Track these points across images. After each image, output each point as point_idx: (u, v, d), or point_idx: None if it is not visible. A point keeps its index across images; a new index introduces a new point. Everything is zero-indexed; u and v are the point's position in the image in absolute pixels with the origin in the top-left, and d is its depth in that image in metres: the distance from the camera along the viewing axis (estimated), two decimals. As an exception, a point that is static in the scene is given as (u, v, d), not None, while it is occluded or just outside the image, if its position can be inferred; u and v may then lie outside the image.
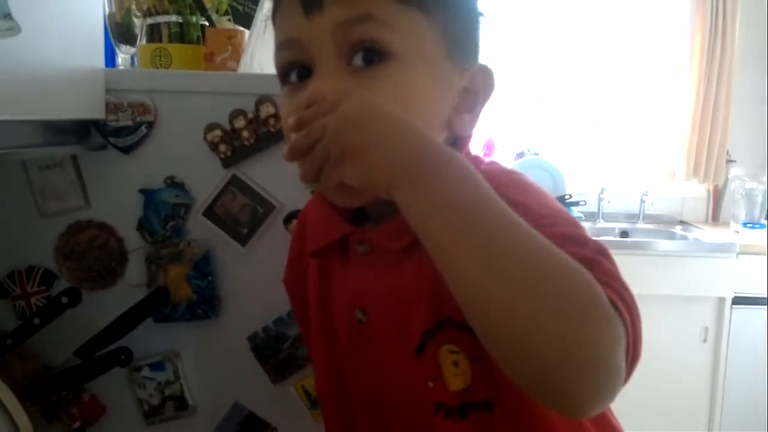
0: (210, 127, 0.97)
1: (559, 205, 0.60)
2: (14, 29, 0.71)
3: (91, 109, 0.92)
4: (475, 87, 0.65)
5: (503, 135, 3.27)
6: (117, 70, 1.14)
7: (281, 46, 0.63)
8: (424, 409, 0.63)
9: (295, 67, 0.62)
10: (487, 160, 0.71)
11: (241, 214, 0.99)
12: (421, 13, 0.60)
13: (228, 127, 0.97)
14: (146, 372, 1.00)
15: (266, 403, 1.03)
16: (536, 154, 3.28)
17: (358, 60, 0.59)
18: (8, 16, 0.70)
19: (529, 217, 0.50)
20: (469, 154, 0.67)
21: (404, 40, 0.59)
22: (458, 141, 0.67)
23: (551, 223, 0.55)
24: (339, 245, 0.69)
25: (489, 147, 3.06)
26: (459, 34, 0.64)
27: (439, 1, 0.62)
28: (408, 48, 0.59)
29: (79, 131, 0.94)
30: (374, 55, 0.59)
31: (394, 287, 0.65)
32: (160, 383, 1.00)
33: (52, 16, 0.80)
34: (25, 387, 0.93)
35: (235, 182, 0.98)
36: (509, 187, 0.57)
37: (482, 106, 0.66)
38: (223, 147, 0.97)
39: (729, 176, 3.29)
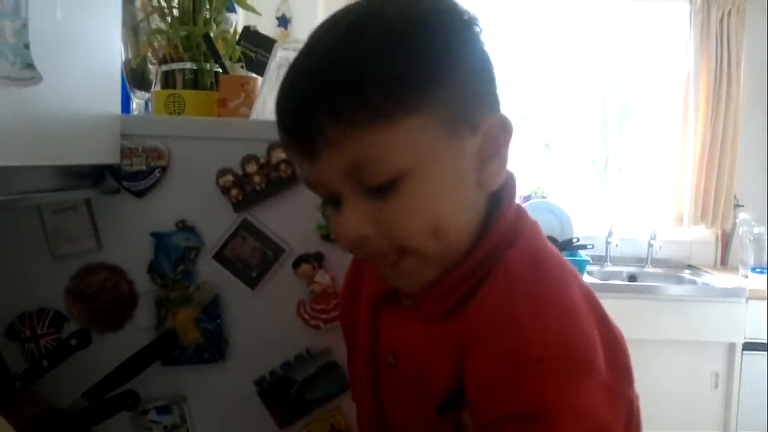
0: (222, 172, 0.98)
1: (567, 337, 0.57)
2: (36, 78, 0.73)
3: (107, 155, 0.94)
4: (493, 134, 0.63)
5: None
6: (132, 116, 1.17)
7: (306, 184, 0.66)
8: None
9: (328, 199, 0.65)
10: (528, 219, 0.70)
11: (251, 258, 1.00)
12: (408, 118, 0.58)
13: (240, 172, 0.99)
14: (153, 415, 1.00)
15: (272, 449, 1.02)
16: (543, 197, 3.29)
17: (373, 193, 0.60)
18: (31, 65, 0.72)
19: (515, 355, 0.55)
20: (508, 222, 0.66)
21: (405, 156, 0.59)
22: (501, 198, 0.67)
23: (535, 371, 0.55)
24: (391, 292, 0.73)
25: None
26: (460, 106, 0.61)
27: (423, 95, 0.58)
28: (411, 160, 0.59)
29: (94, 175, 0.96)
30: (384, 185, 0.60)
31: (422, 344, 0.67)
32: (166, 427, 1.00)
33: (72, 65, 0.82)
34: (33, 429, 0.92)
35: (245, 226, 1.00)
36: (525, 293, 0.59)
37: (506, 148, 0.64)
38: (234, 191, 0.98)
39: (737, 221, 3.29)
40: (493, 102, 0.65)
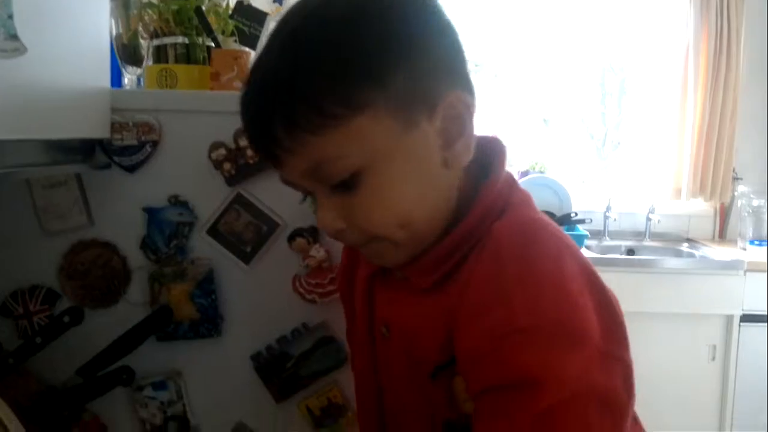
0: (214, 146, 0.97)
1: (556, 307, 0.56)
2: (20, 50, 0.71)
3: (97, 129, 0.93)
4: (455, 113, 0.62)
5: (508, 153, 3.27)
6: (122, 90, 1.15)
7: (282, 182, 0.67)
8: (435, 425, 0.67)
9: (306, 194, 0.67)
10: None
11: (245, 232, 0.99)
12: (357, 116, 0.58)
13: (233, 146, 0.97)
14: (148, 391, 1.00)
15: (270, 423, 1.02)
16: (541, 172, 3.28)
17: (338, 190, 0.62)
18: (14, 36, 0.70)
19: (501, 325, 0.56)
20: (495, 194, 0.65)
21: (359, 153, 0.59)
22: (489, 170, 0.66)
23: (521, 341, 0.55)
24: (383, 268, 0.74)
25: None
26: (411, 93, 0.59)
27: (368, 91, 0.58)
28: (366, 156, 0.59)
29: (84, 150, 0.95)
30: (346, 182, 0.61)
31: (412, 316, 0.68)
32: (162, 403, 1.00)
33: (59, 37, 0.80)
34: (27, 407, 0.92)
35: (239, 200, 0.98)
36: (513, 266, 0.59)
37: (471, 124, 0.63)
38: (227, 165, 0.97)
39: (735, 194, 3.28)
40: (454, 77, 0.63)
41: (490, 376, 0.56)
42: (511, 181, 0.68)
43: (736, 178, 3.29)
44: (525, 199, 0.68)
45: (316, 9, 0.61)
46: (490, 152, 0.68)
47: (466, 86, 0.64)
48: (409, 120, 0.60)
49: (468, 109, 0.62)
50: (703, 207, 3.36)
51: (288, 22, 0.62)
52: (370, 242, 0.65)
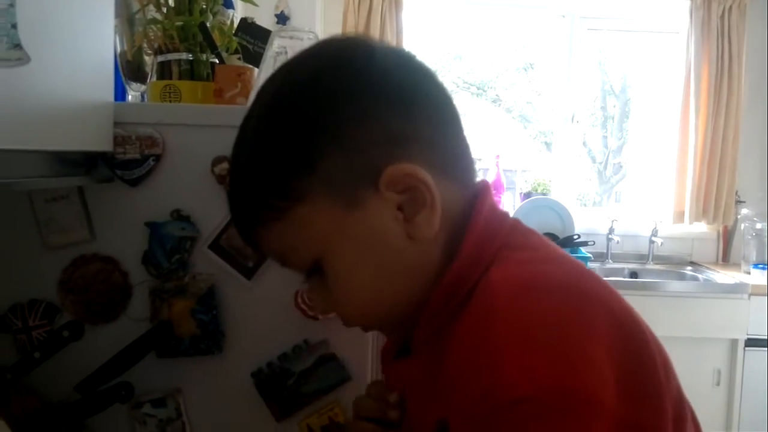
0: (217, 160, 0.97)
1: (553, 379, 0.46)
2: (23, 59, 0.71)
3: (99, 142, 0.93)
4: (407, 185, 0.57)
5: (510, 176, 3.28)
6: (125, 104, 1.15)
7: None
8: None
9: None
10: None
11: (247, 248, 0.98)
12: (297, 206, 0.58)
13: (235, 160, 0.97)
14: (147, 408, 0.98)
15: (270, 442, 1.00)
16: (544, 194, 3.28)
17: (314, 276, 0.63)
18: (18, 46, 0.70)
19: (489, 395, 0.47)
20: (478, 236, 0.59)
21: (309, 243, 0.59)
22: (467, 223, 0.60)
23: (510, 419, 0.46)
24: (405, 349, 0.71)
25: (497, 188, 3.07)
26: (347, 173, 0.57)
27: (300, 180, 0.57)
28: (317, 244, 0.59)
29: (87, 163, 0.94)
30: (313, 270, 0.62)
31: (415, 382, 0.66)
32: (161, 420, 0.98)
33: (62, 49, 0.80)
34: (25, 423, 0.91)
35: (241, 215, 0.98)
36: (506, 315, 0.51)
37: (431, 193, 0.57)
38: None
39: (738, 217, 3.27)
40: (404, 148, 0.58)
41: None
42: (503, 223, 0.62)
43: (738, 201, 3.29)
44: (528, 245, 0.62)
45: (259, 98, 0.63)
46: (474, 200, 0.62)
47: (428, 150, 0.59)
48: (351, 200, 0.57)
49: (422, 181, 0.57)
50: (706, 230, 3.35)
51: (244, 117, 0.64)
52: (365, 328, 0.67)
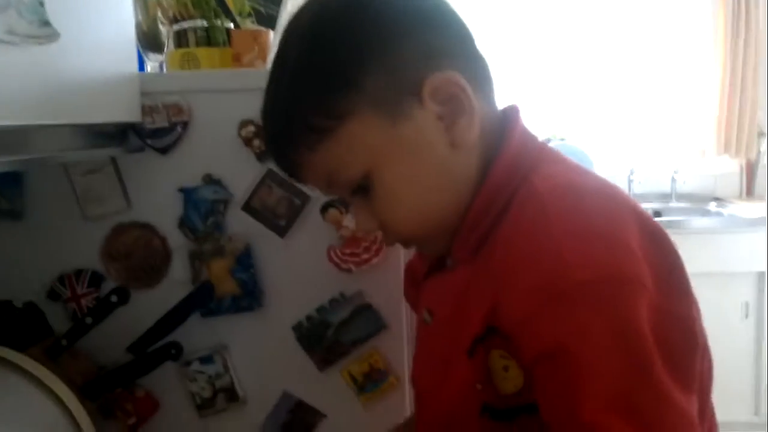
0: (243, 123, 0.99)
1: (606, 257, 0.54)
2: (53, 36, 0.73)
3: (128, 113, 0.95)
4: (448, 94, 0.62)
5: (528, 121, 3.26)
6: (150, 74, 1.17)
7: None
8: (471, 410, 0.64)
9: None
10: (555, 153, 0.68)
11: (279, 207, 1.01)
12: (345, 124, 0.61)
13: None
14: (196, 366, 1.02)
15: (314, 391, 1.04)
16: (562, 139, 3.26)
17: (360, 194, 0.65)
18: (47, 23, 0.72)
19: (550, 280, 0.53)
20: (515, 147, 0.64)
21: (358, 158, 0.62)
22: (503, 135, 0.65)
23: (576, 299, 0.52)
24: (437, 260, 0.75)
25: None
26: (391, 87, 0.61)
27: (347, 97, 0.60)
28: (366, 159, 0.62)
29: (118, 135, 0.97)
30: (360, 188, 0.64)
31: (456, 292, 0.68)
32: (210, 376, 1.03)
33: (86, 24, 0.82)
34: (81, 386, 0.95)
35: (271, 176, 1.00)
36: (561, 212, 0.56)
37: (470, 100, 0.62)
38: (257, 142, 0.99)
39: (761, 149, 3.24)
40: (442, 59, 0.62)
41: (547, 340, 0.53)
42: (533, 140, 0.68)
43: (761, 134, 3.24)
44: (559, 159, 0.67)
45: (293, 30, 0.65)
46: (505, 119, 0.68)
47: (463, 64, 0.63)
48: (398, 113, 0.61)
49: (462, 88, 0.61)
50: (728, 165, 3.32)
51: (279, 43, 0.66)
52: (408, 241, 0.68)
